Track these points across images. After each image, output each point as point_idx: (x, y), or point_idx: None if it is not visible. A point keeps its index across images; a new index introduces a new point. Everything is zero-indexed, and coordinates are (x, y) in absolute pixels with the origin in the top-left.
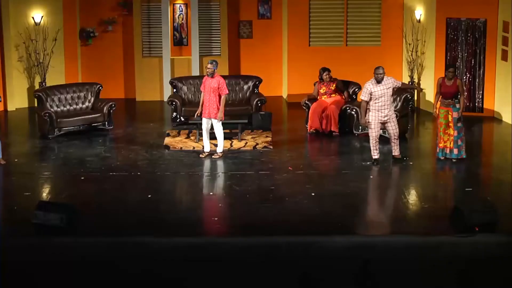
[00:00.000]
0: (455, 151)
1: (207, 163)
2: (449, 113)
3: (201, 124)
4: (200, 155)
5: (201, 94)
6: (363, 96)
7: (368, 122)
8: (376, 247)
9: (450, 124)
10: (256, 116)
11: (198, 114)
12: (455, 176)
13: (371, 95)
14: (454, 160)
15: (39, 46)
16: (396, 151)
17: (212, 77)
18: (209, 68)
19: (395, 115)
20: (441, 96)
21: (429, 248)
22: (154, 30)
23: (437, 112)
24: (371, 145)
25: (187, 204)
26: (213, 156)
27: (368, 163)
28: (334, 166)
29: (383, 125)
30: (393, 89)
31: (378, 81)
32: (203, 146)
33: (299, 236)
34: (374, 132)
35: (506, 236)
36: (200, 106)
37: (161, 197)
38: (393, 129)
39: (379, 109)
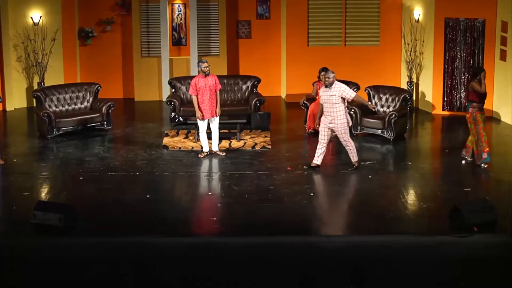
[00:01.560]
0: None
1: (205, 163)
2: (482, 116)
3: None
4: (199, 155)
5: (192, 97)
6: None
7: (317, 125)
8: (375, 247)
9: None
10: (255, 116)
11: (203, 117)
12: (454, 176)
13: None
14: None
15: (37, 46)
16: (352, 158)
17: (207, 75)
18: (207, 67)
19: (341, 126)
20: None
21: (428, 248)
22: (152, 30)
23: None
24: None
25: (185, 204)
26: (222, 154)
27: (367, 162)
28: (332, 166)
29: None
30: (343, 98)
31: (326, 86)
32: (201, 146)
33: (298, 236)
34: (320, 135)
35: (505, 236)
36: (198, 110)
37: (159, 197)
38: (341, 138)
39: (325, 114)
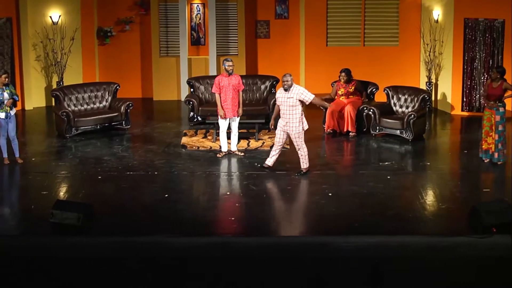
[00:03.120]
0: (495, 155)
1: (224, 163)
2: (492, 115)
3: (217, 123)
4: (218, 155)
5: (215, 95)
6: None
7: (272, 126)
8: (393, 247)
9: (493, 127)
10: None
11: (225, 116)
12: (473, 176)
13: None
14: (499, 163)
15: (56, 45)
16: (302, 164)
17: (231, 74)
18: (230, 66)
19: (295, 130)
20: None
21: (446, 248)
22: (171, 30)
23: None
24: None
25: (204, 203)
26: (240, 154)
27: (386, 163)
28: (351, 166)
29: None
30: (301, 101)
31: (285, 89)
32: (220, 146)
33: (315, 236)
34: (276, 137)
35: None
36: (221, 108)
37: (178, 196)
38: (294, 142)
39: (281, 116)
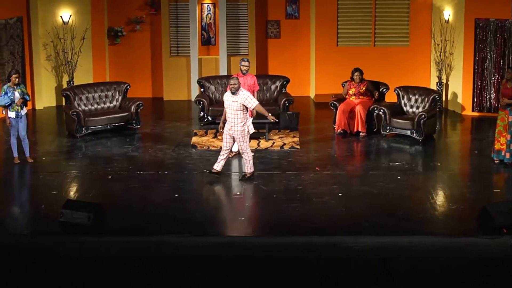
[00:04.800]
0: (507, 155)
1: (234, 163)
2: (506, 115)
3: None
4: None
5: None
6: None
7: (221, 128)
8: (403, 247)
9: (506, 127)
10: (284, 116)
11: None
12: (483, 177)
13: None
14: (510, 163)
15: (67, 45)
16: (246, 168)
17: (246, 74)
18: (246, 66)
19: (240, 134)
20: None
21: (456, 249)
22: (182, 30)
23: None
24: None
25: (214, 203)
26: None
27: (396, 163)
28: (361, 166)
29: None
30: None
31: (232, 92)
32: None
33: (325, 236)
34: (223, 141)
35: None
36: None
37: (188, 196)
38: (239, 145)
39: (227, 120)
